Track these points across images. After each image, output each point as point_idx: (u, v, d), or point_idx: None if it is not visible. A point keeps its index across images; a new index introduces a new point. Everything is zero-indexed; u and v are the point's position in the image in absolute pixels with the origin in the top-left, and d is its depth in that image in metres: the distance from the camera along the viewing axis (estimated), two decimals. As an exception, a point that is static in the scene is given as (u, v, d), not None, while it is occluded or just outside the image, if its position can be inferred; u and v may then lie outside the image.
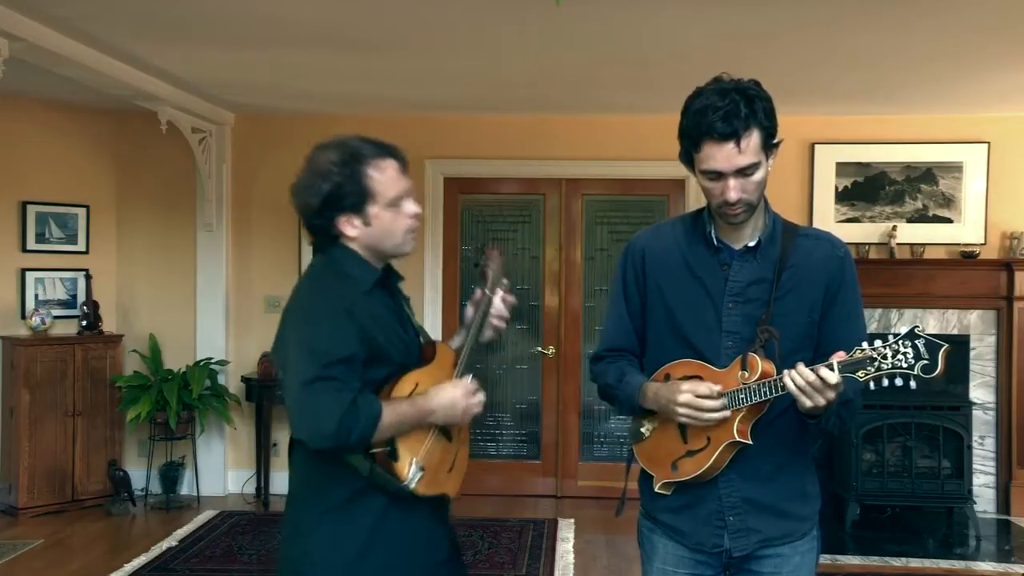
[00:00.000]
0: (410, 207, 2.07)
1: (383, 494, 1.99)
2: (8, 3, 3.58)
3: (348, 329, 1.95)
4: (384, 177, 2.02)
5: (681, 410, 1.90)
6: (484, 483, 6.09)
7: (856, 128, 5.84)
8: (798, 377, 1.79)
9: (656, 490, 2.02)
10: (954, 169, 5.80)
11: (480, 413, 2.13)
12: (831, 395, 1.78)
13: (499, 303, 2.25)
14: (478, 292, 2.26)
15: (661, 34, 4.00)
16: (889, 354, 1.73)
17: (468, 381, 2.10)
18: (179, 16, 3.80)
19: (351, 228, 2.03)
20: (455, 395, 2.05)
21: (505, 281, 2.30)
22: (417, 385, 2.04)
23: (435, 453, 2.06)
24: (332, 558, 2.01)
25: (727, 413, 1.88)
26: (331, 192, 1.99)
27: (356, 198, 2.00)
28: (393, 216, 2.04)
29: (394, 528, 2.02)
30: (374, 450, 1.96)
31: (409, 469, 1.98)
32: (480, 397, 2.12)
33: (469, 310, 2.27)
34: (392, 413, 1.95)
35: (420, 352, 2.13)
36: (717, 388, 1.88)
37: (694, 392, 1.88)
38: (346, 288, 2.02)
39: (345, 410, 1.88)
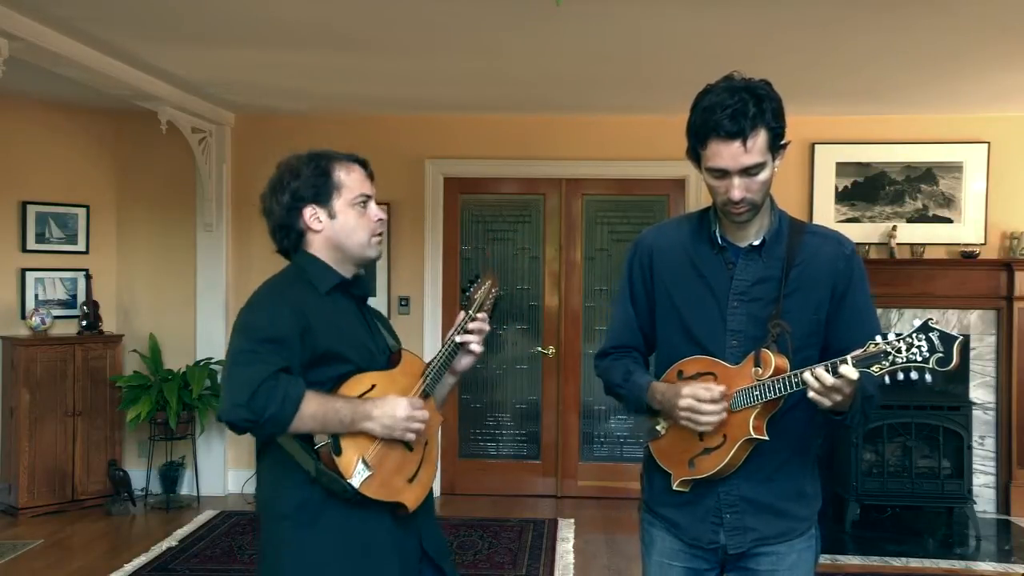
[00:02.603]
0: (375, 211, 2.11)
1: (338, 501, 1.96)
2: (8, 3, 3.58)
3: (284, 315, 1.95)
4: (350, 177, 2.08)
5: (681, 413, 1.92)
6: (484, 483, 6.09)
7: (856, 128, 5.84)
8: (815, 383, 1.77)
9: (675, 487, 2.02)
10: (954, 169, 5.80)
11: (417, 435, 2.03)
12: (848, 391, 1.77)
13: (474, 326, 2.20)
14: (460, 315, 2.23)
15: (661, 34, 4.00)
16: (903, 348, 1.72)
17: (417, 400, 2.05)
18: (179, 16, 3.80)
19: (316, 222, 2.06)
20: (396, 408, 1.98)
21: (488, 305, 2.25)
22: (374, 386, 2.02)
23: (388, 458, 2.00)
24: (293, 569, 1.99)
25: (724, 415, 1.89)
26: (299, 186, 2.05)
27: (322, 189, 2.05)
28: (358, 215, 2.08)
29: (351, 541, 1.99)
30: (317, 445, 1.94)
31: (354, 466, 1.94)
32: (423, 415, 2.02)
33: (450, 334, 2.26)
34: (319, 404, 1.91)
35: (387, 359, 2.13)
36: (720, 389, 1.89)
37: (695, 396, 1.89)
38: (298, 289, 2.03)
39: (263, 380, 1.85)
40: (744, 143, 1.83)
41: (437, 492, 6.00)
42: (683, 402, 1.90)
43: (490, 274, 2.29)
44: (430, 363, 2.18)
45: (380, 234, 2.13)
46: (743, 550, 2.00)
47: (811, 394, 1.79)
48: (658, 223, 2.21)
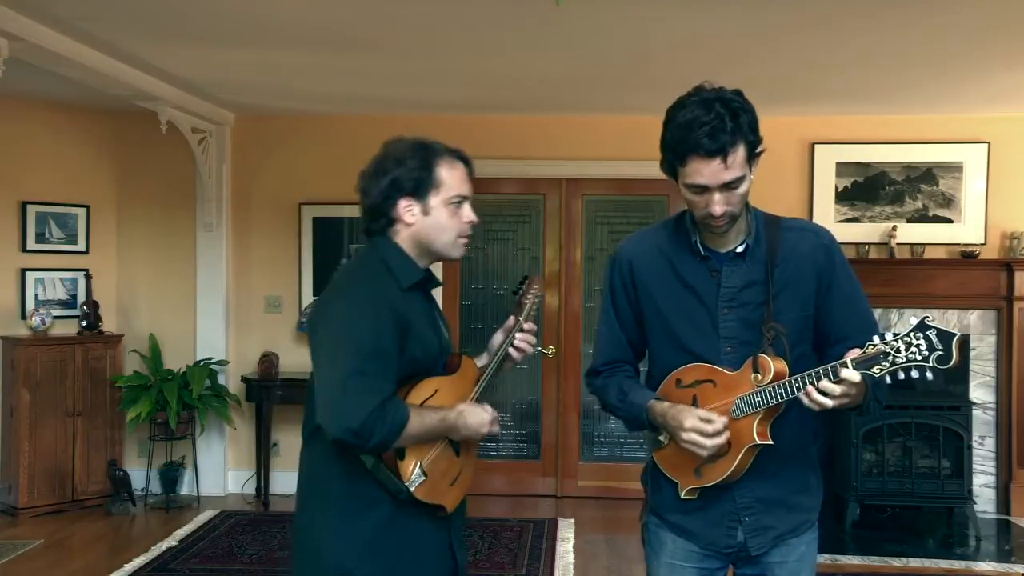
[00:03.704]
0: (468, 213, 2.12)
1: (386, 496, 2.00)
2: (8, 3, 3.58)
3: (388, 322, 1.97)
4: (452, 175, 2.08)
5: (684, 445, 1.93)
6: (484, 483, 6.09)
7: (856, 128, 5.84)
8: (825, 400, 1.78)
9: (682, 496, 2.03)
10: (954, 169, 5.80)
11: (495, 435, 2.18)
12: (854, 391, 1.78)
13: (523, 337, 2.27)
14: (511, 319, 2.28)
15: (661, 34, 4.00)
16: (902, 347, 1.72)
17: (491, 409, 2.12)
18: (179, 16, 3.80)
19: (409, 214, 2.06)
20: (483, 420, 2.07)
21: (534, 311, 2.32)
22: (436, 391, 2.05)
23: (440, 463, 2.05)
24: (336, 556, 2.02)
25: (724, 442, 1.91)
26: (400, 175, 2.04)
27: (422, 183, 2.05)
28: (451, 214, 2.08)
29: (399, 533, 2.02)
30: None
31: (413, 471, 1.98)
32: (496, 417, 2.13)
33: (498, 336, 2.30)
34: (419, 423, 1.95)
35: (446, 361, 2.16)
36: (723, 421, 1.89)
37: (697, 431, 1.90)
38: (386, 285, 2.04)
39: (372, 411, 1.88)
40: (724, 160, 1.82)
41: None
42: (686, 435, 1.91)
43: (536, 278, 2.34)
44: (483, 369, 2.23)
45: (468, 236, 2.14)
46: (765, 550, 2.02)
47: (827, 404, 1.79)
48: (630, 235, 2.19)
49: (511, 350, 2.26)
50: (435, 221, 2.07)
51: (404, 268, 2.07)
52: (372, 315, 1.96)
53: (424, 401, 2.02)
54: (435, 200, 2.06)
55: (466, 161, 2.14)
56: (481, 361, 2.30)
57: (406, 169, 2.04)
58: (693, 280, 2.00)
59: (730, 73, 4.26)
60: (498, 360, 2.24)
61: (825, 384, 1.77)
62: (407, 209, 2.06)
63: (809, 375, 1.81)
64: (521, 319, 2.26)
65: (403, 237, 2.09)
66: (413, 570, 2.06)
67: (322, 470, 2.07)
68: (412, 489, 1.98)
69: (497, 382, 2.34)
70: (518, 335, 2.26)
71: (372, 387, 1.90)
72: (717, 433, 1.89)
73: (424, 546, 2.07)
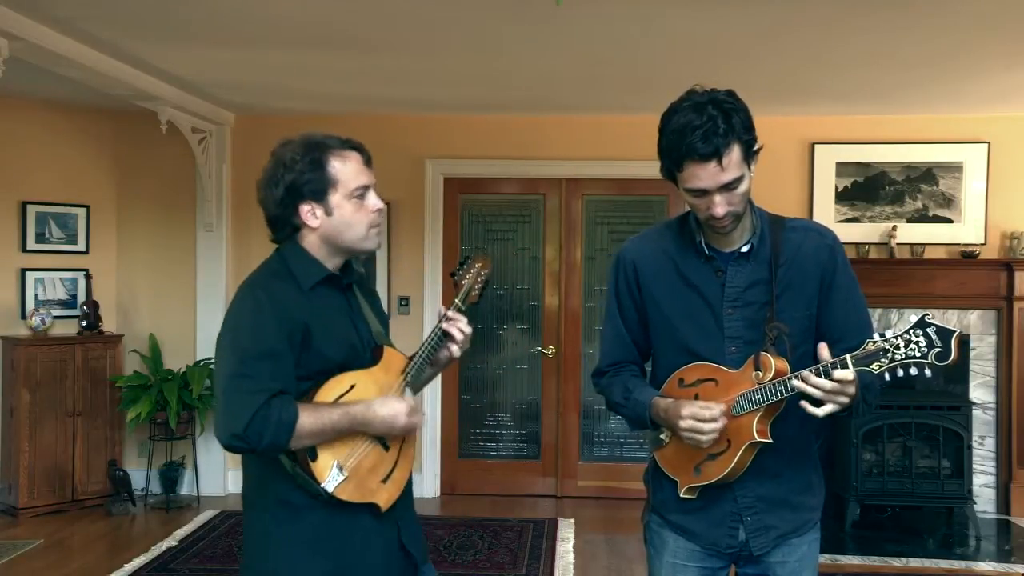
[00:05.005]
0: (373, 201, 2.05)
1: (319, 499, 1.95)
2: (8, 3, 3.58)
3: (270, 324, 1.91)
4: (346, 167, 2.02)
5: (684, 434, 1.94)
6: (484, 483, 6.09)
7: (856, 128, 5.84)
8: (816, 392, 1.78)
9: (682, 495, 2.03)
10: (954, 169, 5.80)
11: (419, 428, 2.05)
12: (851, 390, 1.78)
13: (451, 322, 2.13)
14: (440, 308, 2.18)
15: (661, 34, 4.00)
16: (901, 344, 1.73)
17: (411, 399, 2.02)
18: (179, 16, 3.80)
19: (312, 218, 2.00)
20: (398, 410, 1.96)
21: (476, 290, 2.19)
22: (353, 386, 1.98)
23: (366, 460, 1.99)
24: (276, 562, 1.98)
25: (719, 429, 1.90)
26: (294, 180, 1.98)
27: (318, 185, 1.99)
28: (355, 208, 2.02)
29: (336, 536, 1.98)
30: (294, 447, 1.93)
31: (329, 471, 1.92)
32: (421, 418, 2.03)
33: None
34: (316, 420, 1.89)
35: (371, 354, 2.08)
36: (720, 408, 1.89)
37: (695, 417, 1.90)
38: (281, 285, 1.98)
39: (256, 413, 1.84)
40: (720, 162, 1.83)
41: (437, 492, 6.02)
42: (684, 423, 1.92)
43: (480, 256, 2.24)
44: (412, 358, 2.12)
45: (378, 224, 2.06)
46: (768, 550, 2.02)
47: (811, 408, 1.79)
48: (634, 236, 2.19)
49: (449, 341, 2.14)
50: (340, 219, 2.00)
51: (305, 269, 2.01)
52: (253, 319, 1.92)
53: (339, 396, 1.96)
54: (336, 198, 2.00)
55: (359, 148, 2.06)
56: (443, 354, 2.18)
57: (298, 173, 1.98)
58: (697, 280, 2.00)
59: (730, 73, 4.27)
60: (426, 348, 2.12)
61: (816, 380, 1.78)
62: (309, 213, 2.00)
63: (808, 372, 1.81)
64: (456, 300, 2.15)
65: (311, 240, 2.03)
66: (356, 573, 2.01)
67: (256, 479, 2.03)
68: (331, 490, 1.92)
69: (433, 371, 2.21)
70: (446, 321, 2.13)
71: (255, 388, 1.86)
72: (714, 419, 1.88)
73: (369, 547, 2.02)
